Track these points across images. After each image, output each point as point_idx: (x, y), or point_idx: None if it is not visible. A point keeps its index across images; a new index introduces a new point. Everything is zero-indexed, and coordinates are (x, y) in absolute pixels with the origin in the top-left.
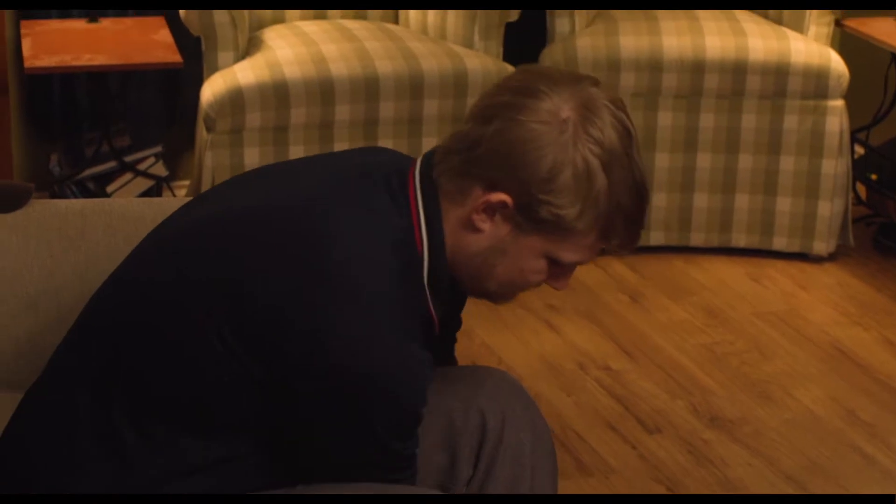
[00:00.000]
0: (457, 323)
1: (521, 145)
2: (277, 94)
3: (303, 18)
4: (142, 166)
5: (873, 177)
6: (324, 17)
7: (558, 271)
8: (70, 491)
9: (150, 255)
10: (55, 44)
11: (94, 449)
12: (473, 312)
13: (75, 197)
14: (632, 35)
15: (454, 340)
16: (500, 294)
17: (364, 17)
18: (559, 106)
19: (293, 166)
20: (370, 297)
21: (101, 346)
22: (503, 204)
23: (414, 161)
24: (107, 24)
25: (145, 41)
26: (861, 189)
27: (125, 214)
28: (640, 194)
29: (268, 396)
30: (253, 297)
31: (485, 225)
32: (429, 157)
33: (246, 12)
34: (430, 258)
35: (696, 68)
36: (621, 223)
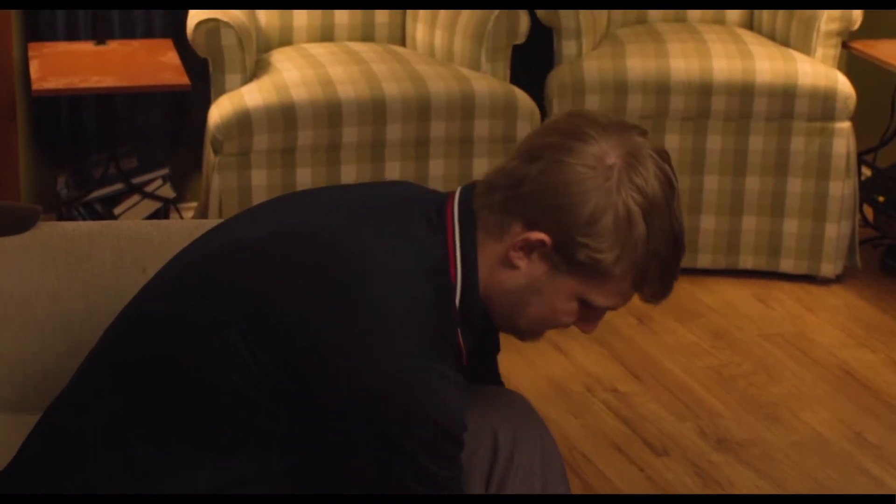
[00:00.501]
0: (494, 345)
1: (565, 187)
2: (285, 116)
3: (310, 40)
4: (149, 188)
5: (880, 199)
6: (331, 39)
7: (589, 314)
8: None
9: (166, 288)
10: (63, 66)
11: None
12: None
13: (83, 219)
14: (639, 57)
15: (495, 362)
16: (529, 332)
17: (371, 39)
18: (606, 151)
19: (314, 195)
20: (386, 312)
21: (118, 380)
22: (542, 243)
23: (451, 193)
24: (114, 46)
25: (153, 63)
26: (868, 211)
27: (132, 237)
28: (677, 244)
29: (294, 414)
30: (278, 323)
31: (521, 262)
32: (469, 189)
33: (254, 34)
34: (463, 288)
35: (704, 90)
36: (656, 272)
